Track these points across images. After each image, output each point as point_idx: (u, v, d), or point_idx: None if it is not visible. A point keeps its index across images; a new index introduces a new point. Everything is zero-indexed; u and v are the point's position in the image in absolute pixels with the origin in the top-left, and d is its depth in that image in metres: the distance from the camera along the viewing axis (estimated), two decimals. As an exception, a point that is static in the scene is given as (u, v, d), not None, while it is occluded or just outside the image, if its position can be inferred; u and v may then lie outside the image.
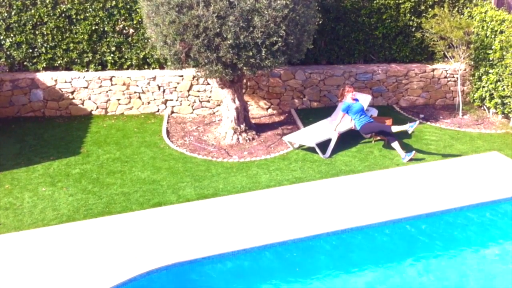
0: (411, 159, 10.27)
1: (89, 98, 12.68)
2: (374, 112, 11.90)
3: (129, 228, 8.20)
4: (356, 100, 10.85)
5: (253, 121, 12.25)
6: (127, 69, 12.94)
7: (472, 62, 12.85)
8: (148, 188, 9.49)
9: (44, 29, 12.40)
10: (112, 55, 12.73)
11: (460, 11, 13.20)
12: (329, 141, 10.79)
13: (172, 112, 12.89)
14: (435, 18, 12.51)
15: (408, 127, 10.26)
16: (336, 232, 8.03)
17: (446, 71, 13.28)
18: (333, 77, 13.02)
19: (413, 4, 13.06)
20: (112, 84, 12.62)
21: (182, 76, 12.63)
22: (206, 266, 7.46)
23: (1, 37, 12.41)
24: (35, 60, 12.67)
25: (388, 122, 11.46)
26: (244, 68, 10.08)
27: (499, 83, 11.90)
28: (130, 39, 12.74)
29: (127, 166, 10.34)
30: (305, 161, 10.51)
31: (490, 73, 12.18)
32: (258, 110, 13.08)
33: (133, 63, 12.85)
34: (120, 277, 6.99)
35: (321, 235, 7.96)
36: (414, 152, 10.35)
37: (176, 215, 8.57)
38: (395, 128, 10.40)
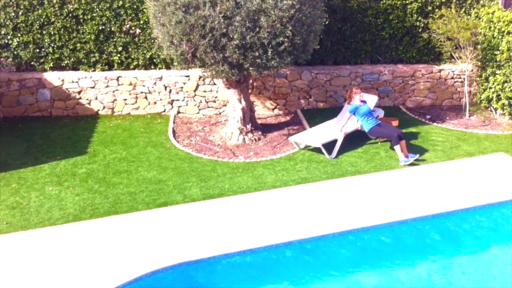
0: (412, 163, 10.22)
1: (96, 98, 12.72)
2: (381, 113, 11.87)
3: (135, 227, 8.22)
4: (364, 102, 10.84)
5: (259, 121, 12.25)
6: (133, 69, 12.97)
7: (479, 63, 12.80)
8: (154, 188, 9.51)
9: (51, 29, 12.45)
10: (118, 55, 12.76)
11: (467, 11, 13.16)
12: (335, 141, 10.78)
13: (178, 112, 12.91)
14: (442, 19, 12.46)
15: (410, 157, 10.23)
16: (342, 233, 8.02)
17: (453, 71, 13.24)
18: (339, 78, 13.00)
19: (420, 4, 13.03)
20: (118, 84, 12.66)
21: (188, 76, 12.65)
22: (212, 266, 7.46)
23: (9, 37, 12.47)
24: (42, 60, 12.72)
25: (394, 123, 11.42)
26: (250, 68, 10.08)
27: (506, 84, 11.85)
28: (136, 39, 12.77)
29: (133, 166, 10.37)
30: (311, 161, 10.50)
31: (497, 74, 12.12)
32: (264, 110, 13.08)
33: (140, 63, 12.88)
34: (126, 277, 7.01)
35: (327, 236, 7.96)
36: (417, 155, 10.32)
37: (182, 215, 8.59)
38: (397, 149, 10.35)
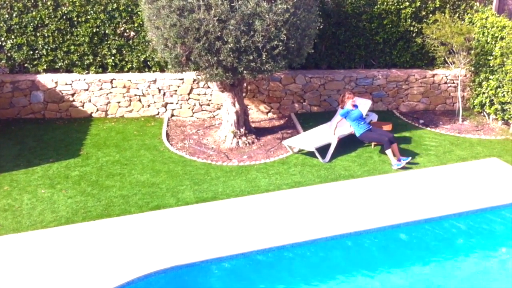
0: (403, 167, 10.26)
1: (89, 101, 12.69)
2: (374, 117, 11.90)
3: (128, 231, 8.19)
4: (356, 106, 10.87)
5: (253, 125, 12.25)
6: (127, 71, 12.95)
7: (473, 68, 12.86)
8: (147, 191, 9.48)
9: (45, 31, 12.41)
10: (112, 57, 12.74)
11: (461, 17, 13.22)
12: (328, 145, 10.79)
13: (172, 115, 12.89)
14: (436, 24, 12.52)
15: (401, 160, 10.28)
16: (335, 237, 8.02)
17: (447, 76, 13.29)
18: (333, 82, 13.03)
19: (414, 9, 13.08)
20: (112, 87, 12.63)
21: (182, 79, 12.64)
22: (204, 269, 7.45)
23: (2, 39, 12.43)
24: (35, 62, 12.68)
25: (388, 127, 11.45)
26: (245, 72, 10.08)
27: (499, 89, 11.90)
28: (131, 42, 12.75)
29: (127, 168, 10.34)
30: (304, 165, 10.50)
31: (490, 79, 12.18)
32: (258, 114, 13.08)
33: (134, 66, 12.86)
34: (118, 280, 6.98)
35: (320, 240, 7.96)
36: (409, 158, 10.36)
37: (175, 218, 8.57)
38: (389, 153, 10.38)
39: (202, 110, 12.92)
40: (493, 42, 12.05)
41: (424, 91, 13.32)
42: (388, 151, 10.34)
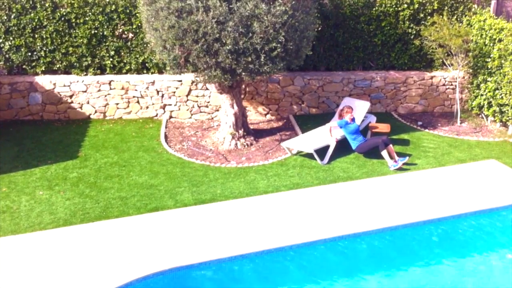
0: (400, 168, 10.26)
1: (88, 102, 12.68)
2: (373, 119, 11.91)
3: (126, 232, 8.18)
4: (353, 120, 10.94)
5: (251, 126, 12.24)
6: (126, 73, 12.94)
7: (471, 70, 12.87)
8: (145, 193, 9.47)
9: (44, 32, 12.41)
10: (111, 59, 12.73)
11: (459, 19, 13.24)
12: (327, 147, 10.79)
13: (171, 117, 12.89)
14: (434, 26, 12.53)
15: (398, 160, 10.30)
16: (334, 239, 8.02)
17: (445, 78, 13.30)
18: (331, 84, 13.03)
19: (412, 11, 13.09)
20: (110, 88, 12.63)
21: (180, 81, 12.63)
22: (203, 271, 7.44)
23: (0, 40, 12.41)
24: (34, 64, 12.67)
25: (386, 128, 11.42)
26: (243, 73, 10.08)
27: (497, 91, 11.92)
28: (129, 43, 12.74)
29: (125, 170, 10.33)
30: (303, 167, 10.50)
31: (488, 81, 12.19)
32: (256, 115, 13.08)
33: (132, 68, 12.86)
34: (116, 282, 6.97)
35: (319, 242, 7.95)
36: (406, 158, 10.38)
37: (174, 220, 8.56)
38: (385, 154, 10.41)
39: (201, 112, 12.92)
40: (491, 44, 12.06)
41: (422, 93, 13.33)
42: (384, 152, 10.37)
